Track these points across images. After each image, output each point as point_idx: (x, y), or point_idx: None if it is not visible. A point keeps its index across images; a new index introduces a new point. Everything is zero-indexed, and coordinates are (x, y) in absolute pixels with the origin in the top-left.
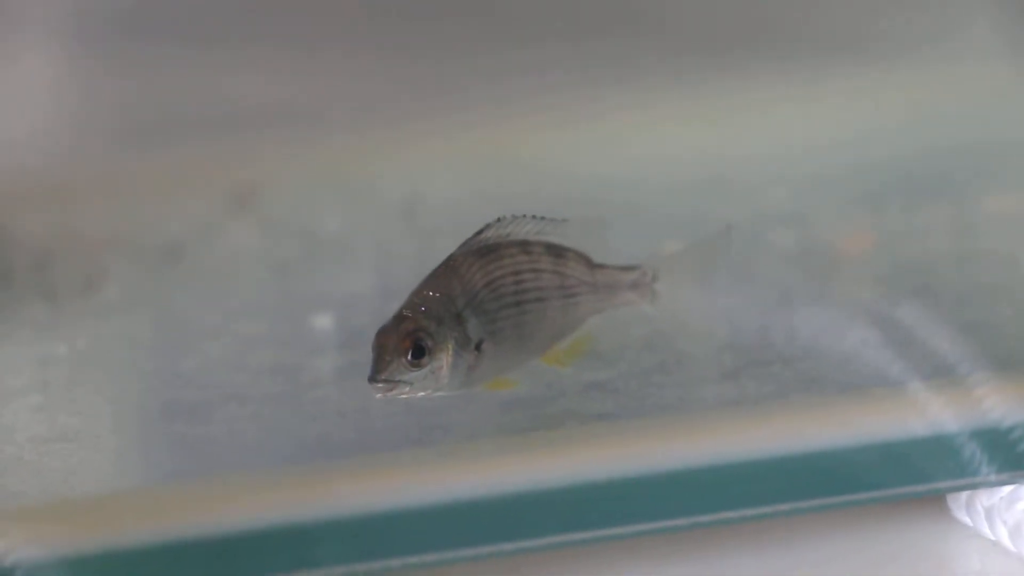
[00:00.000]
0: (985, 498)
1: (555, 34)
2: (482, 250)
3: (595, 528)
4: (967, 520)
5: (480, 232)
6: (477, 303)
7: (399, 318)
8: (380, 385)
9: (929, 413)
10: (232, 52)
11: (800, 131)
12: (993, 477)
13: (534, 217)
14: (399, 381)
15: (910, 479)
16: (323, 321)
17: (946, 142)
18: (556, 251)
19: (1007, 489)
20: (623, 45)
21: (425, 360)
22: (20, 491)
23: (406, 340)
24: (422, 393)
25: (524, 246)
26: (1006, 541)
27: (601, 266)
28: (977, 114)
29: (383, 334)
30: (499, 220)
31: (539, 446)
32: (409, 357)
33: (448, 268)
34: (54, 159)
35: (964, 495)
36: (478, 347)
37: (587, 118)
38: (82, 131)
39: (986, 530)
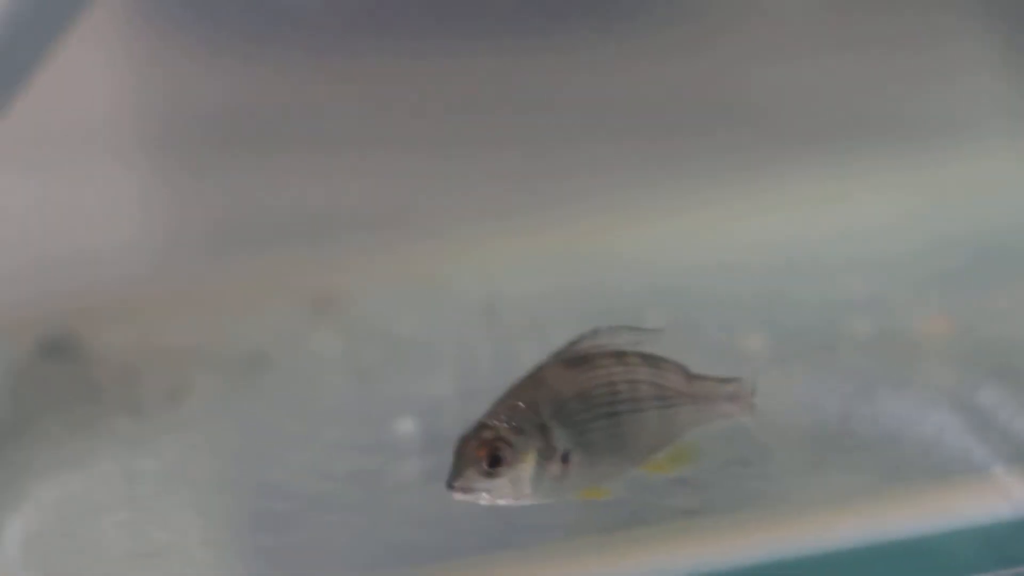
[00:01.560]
0: None
1: (632, 130)
2: (573, 360)
3: None
4: None
5: (573, 343)
6: (565, 413)
7: (479, 427)
8: (457, 492)
9: (1015, 496)
10: (312, 158)
11: (873, 213)
12: None
13: (630, 328)
14: (476, 489)
15: (999, 563)
16: (405, 425)
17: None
18: (653, 361)
19: None
20: (696, 139)
21: (503, 469)
22: None
23: (482, 448)
24: (502, 501)
25: (619, 356)
26: None
27: (699, 377)
28: None
29: (462, 442)
30: (594, 331)
31: (624, 544)
32: (486, 466)
33: (535, 378)
34: (139, 272)
35: None
36: (565, 458)
37: (662, 212)
38: (167, 243)
39: None
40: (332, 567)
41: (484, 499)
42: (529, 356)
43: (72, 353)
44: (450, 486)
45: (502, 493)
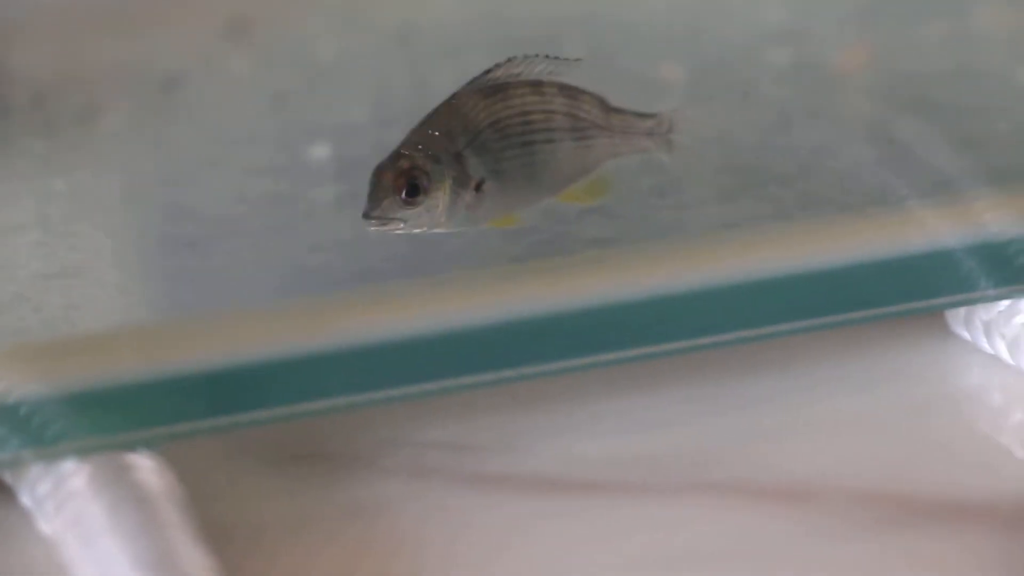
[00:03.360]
0: (984, 313)
1: None
2: (488, 89)
3: (592, 354)
4: (966, 335)
5: (488, 71)
6: (480, 142)
7: (395, 156)
8: (374, 221)
9: (927, 229)
10: None
11: None
12: (991, 292)
13: (547, 57)
14: (393, 218)
15: (909, 296)
16: (320, 150)
17: None
18: (570, 92)
19: (1005, 303)
20: None
21: (420, 199)
22: (21, 328)
23: (401, 178)
24: (418, 230)
25: (536, 86)
26: (1005, 354)
27: (618, 110)
28: None
29: (379, 171)
30: (509, 60)
31: (536, 273)
32: (403, 195)
33: (450, 106)
34: None
35: (963, 311)
36: (479, 187)
37: None
38: None
39: (985, 344)
40: (244, 291)
41: (400, 228)
42: (444, 85)
43: None
44: (367, 216)
45: (418, 222)
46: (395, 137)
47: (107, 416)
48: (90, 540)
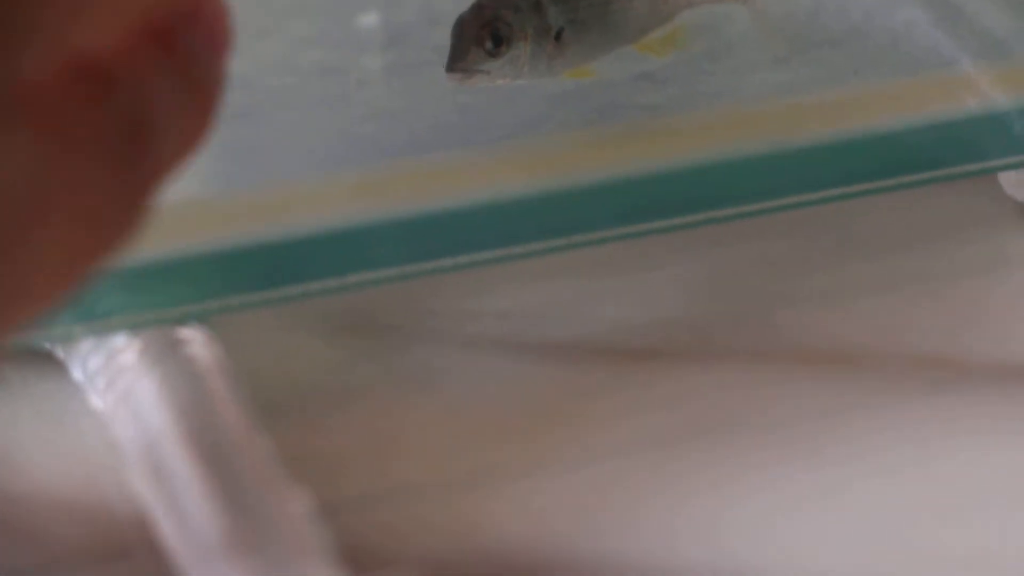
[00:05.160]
0: None
1: None
2: None
3: (640, 223)
4: (1020, 198)
5: None
6: None
7: (477, 7)
8: (458, 75)
9: (980, 91)
10: None
11: None
12: None
13: None
14: (477, 70)
15: (962, 159)
16: (369, 19)
17: None
18: None
19: None
20: None
21: (503, 49)
22: None
23: (484, 29)
24: (501, 81)
25: None
26: None
27: None
28: None
29: (461, 24)
30: None
31: (585, 142)
32: (488, 46)
33: None
34: None
35: (1016, 173)
36: (558, 36)
37: None
38: None
39: None
40: (294, 162)
41: (484, 81)
42: None
43: None
44: (451, 69)
45: (501, 73)
46: (443, 5)
47: (158, 290)
48: (140, 415)
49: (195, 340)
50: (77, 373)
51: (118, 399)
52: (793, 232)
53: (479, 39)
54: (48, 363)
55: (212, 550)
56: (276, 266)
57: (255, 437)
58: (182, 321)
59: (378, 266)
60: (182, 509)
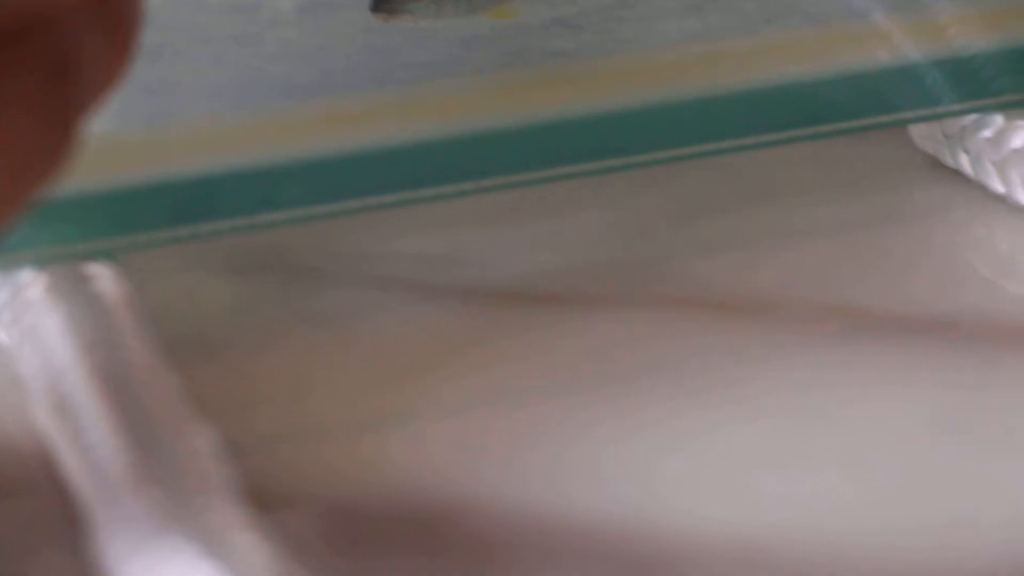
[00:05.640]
0: (947, 128)
1: None
2: None
3: (553, 167)
4: (929, 150)
5: None
6: None
7: None
8: (382, 14)
9: (893, 43)
10: None
11: None
12: (956, 107)
13: None
14: (401, 11)
15: (875, 110)
16: None
17: None
18: None
19: (970, 119)
20: None
21: None
22: None
23: None
24: (424, 22)
25: None
26: (967, 169)
27: None
28: None
29: None
30: None
31: (498, 86)
32: None
33: None
34: None
35: (926, 126)
36: None
37: None
38: None
39: (948, 159)
40: (204, 100)
41: (407, 20)
42: None
43: None
44: (374, 9)
45: (425, 13)
46: None
47: (65, 225)
48: (45, 350)
49: (103, 276)
50: None
51: (23, 334)
52: (705, 180)
53: None
54: None
55: (116, 485)
56: (185, 204)
57: (162, 374)
58: (90, 257)
59: (289, 206)
60: (87, 444)
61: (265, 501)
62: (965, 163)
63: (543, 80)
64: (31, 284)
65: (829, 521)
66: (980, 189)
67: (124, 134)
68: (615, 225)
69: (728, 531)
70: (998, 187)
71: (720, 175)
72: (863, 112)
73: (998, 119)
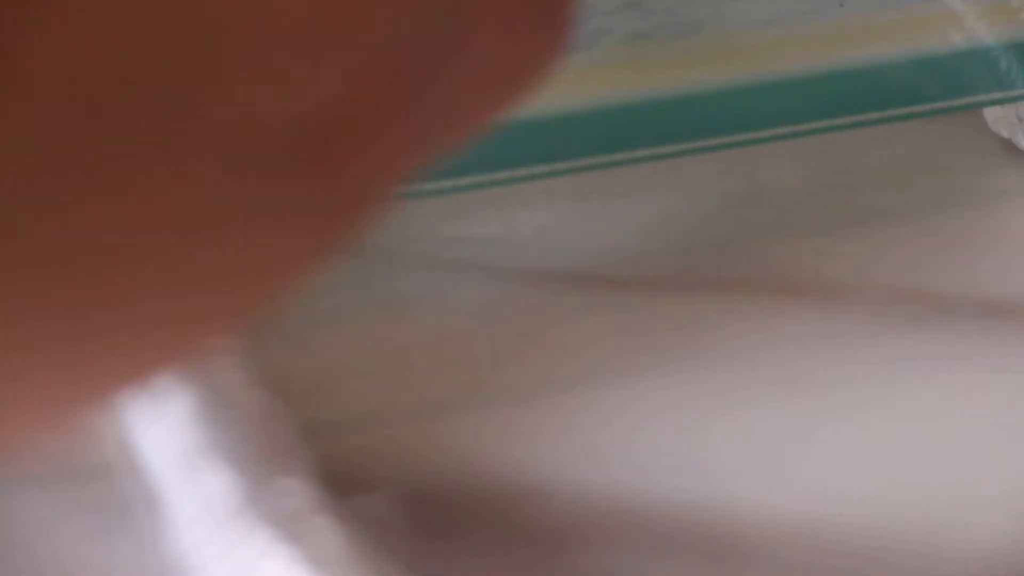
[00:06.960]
0: (1022, 111)
1: None
2: None
3: (630, 149)
4: (1004, 133)
5: None
6: None
7: None
8: None
9: (967, 26)
10: None
11: None
12: None
13: None
14: None
15: (948, 93)
16: None
17: None
18: None
19: None
20: None
21: None
22: None
23: None
24: None
25: None
26: None
27: None
28: None
29: None
30: None
31: (575, 67)
32: None
33: None
34: None
35: (1001, 109)
36: None
37: None
38: None
39: (1022, 142)
40: None
41: None
42: None
43: None
44: None
45: None
46: None
47: None
48: None
49: None
50: None
51: None
52: (777, 164)
53: None
54: None
55: (192, 468)
56: None
57: (239, 357)
58: None
59: None
60: (164, 428)
61: (340, 485)
62: None
63: (617, 62)
64: None
65: (917, 505)
66: None
67: None
68: (690, 209)
69: (811, 517)
70: None
71: (792, 159)
72: (937, 95)
73: None
